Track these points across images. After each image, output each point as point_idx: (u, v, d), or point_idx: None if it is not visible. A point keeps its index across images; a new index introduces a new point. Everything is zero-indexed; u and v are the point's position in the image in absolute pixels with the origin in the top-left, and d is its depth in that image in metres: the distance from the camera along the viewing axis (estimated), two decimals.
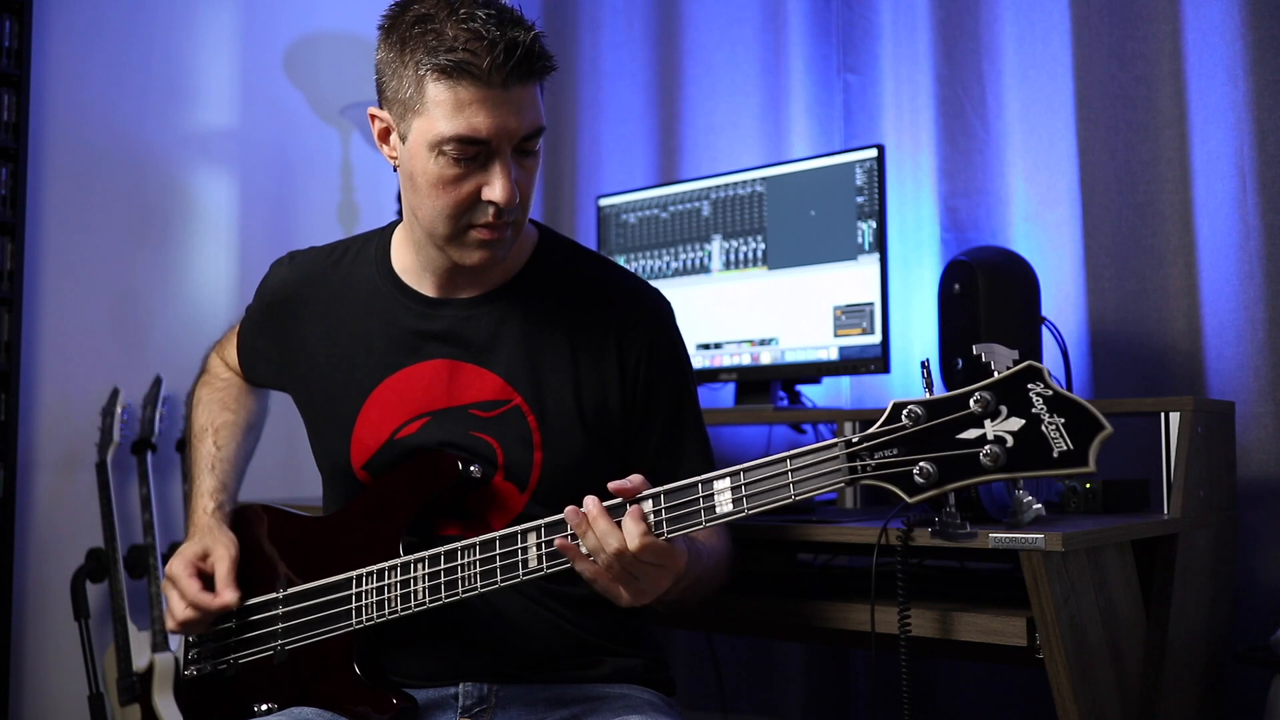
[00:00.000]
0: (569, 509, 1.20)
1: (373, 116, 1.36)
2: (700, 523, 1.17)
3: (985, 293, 1.96)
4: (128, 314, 2.73)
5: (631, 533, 1.16)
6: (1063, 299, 2.27)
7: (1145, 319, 2.20)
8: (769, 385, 2.34)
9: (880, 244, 2.19)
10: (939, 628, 1.51)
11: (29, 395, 2.52)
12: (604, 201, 2.61)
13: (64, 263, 2.61)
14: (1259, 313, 2.03)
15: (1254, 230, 2.04)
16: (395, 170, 1.37)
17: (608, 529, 1.17)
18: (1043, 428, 1.00)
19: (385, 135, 1.35)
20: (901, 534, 1.43)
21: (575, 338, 1.40)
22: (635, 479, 1.20)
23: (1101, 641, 1.48)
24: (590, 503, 1.19)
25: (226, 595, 1.40)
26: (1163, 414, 1.72)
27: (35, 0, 2.53)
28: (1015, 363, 1.02)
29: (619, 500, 1.20)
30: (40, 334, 2.56)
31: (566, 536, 1.21)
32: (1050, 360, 2.06)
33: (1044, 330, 2.03)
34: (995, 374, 1.03)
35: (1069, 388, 2.06)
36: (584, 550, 1.19)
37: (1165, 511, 1.67)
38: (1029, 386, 1.01)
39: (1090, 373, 2.24)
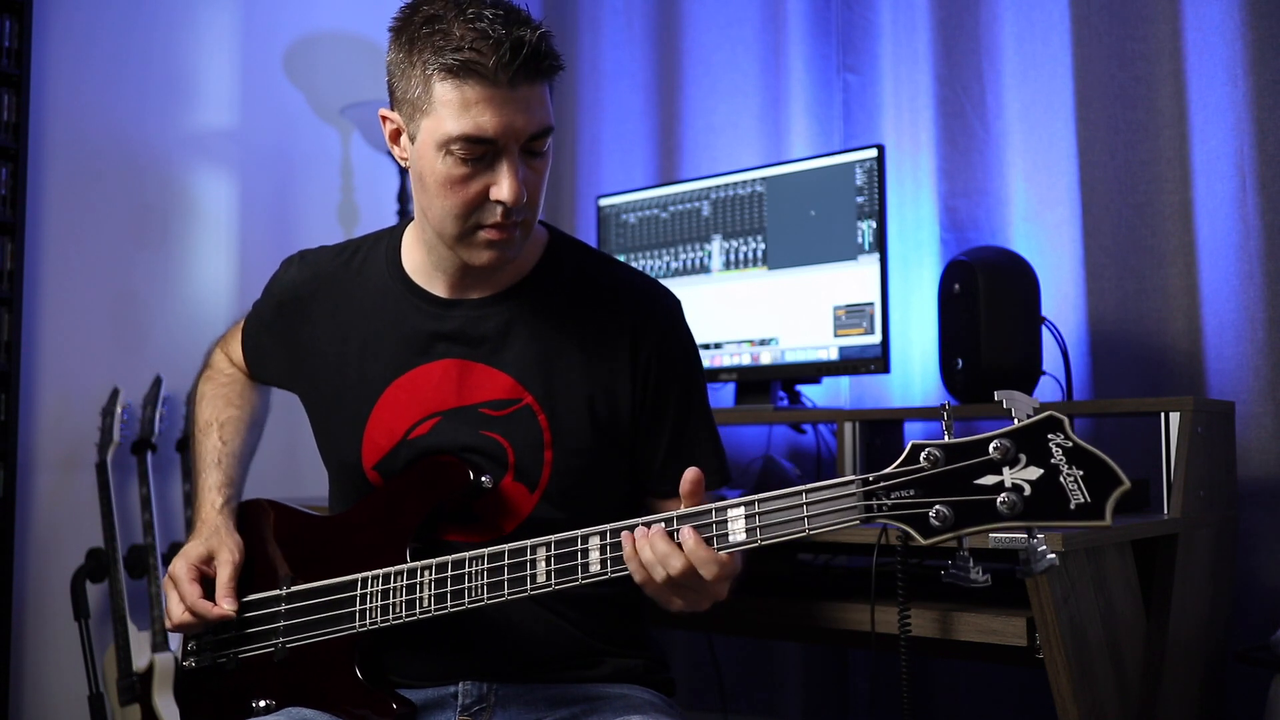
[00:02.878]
0: (625, 534, 1.18)
1: (384, 118, 1.36)
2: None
3: (985, 293, 1.96)
4: (128, 314, 2.73)
5: (696, 554, 1.14)
6: (1063, 299, 2.27)
7: (1145, 319, 2.20)
8: (769, 385, 2.34)
9: (880, 244, 2.19)
10: (939, 628, 1.51)
11: (29, 395, 2.52)
12: (604, 201, 2.61)
13: (64, 263, 2.61)
14: (1259, 313, 2.03)
15: (1254, 230, 2.04)
16: (406, 171, 1.38)
17: (668, 550, 1.15)
18: (1061, 479, 1.00)
19: (396, 136, 1.35)
20: (901, 534, 1.43)
21: (586, 337, 1.40)
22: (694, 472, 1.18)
23: (1101, 641, 1.48)
24: (643, 529, 1.17)
25: (224, 605, 1.40)
26: (1163, 414, 1.72)
27: (35, 0, 2.53)
28: (1036, 411, 1.02)
29: (669, 514, 1.18)
30: (40, 334, 2.56)
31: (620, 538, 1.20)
32: (1050, 360, 2.06)
33: (1044, 330, 2.03)
34: (1016, 421, 1.03)
35: (1069, 388, 2.06)
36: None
37: (1165, 511, 1.67)
38: (1049, 436, 1.01)
39: (1090, 373, 2.24)
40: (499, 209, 1.28)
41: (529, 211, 1.32)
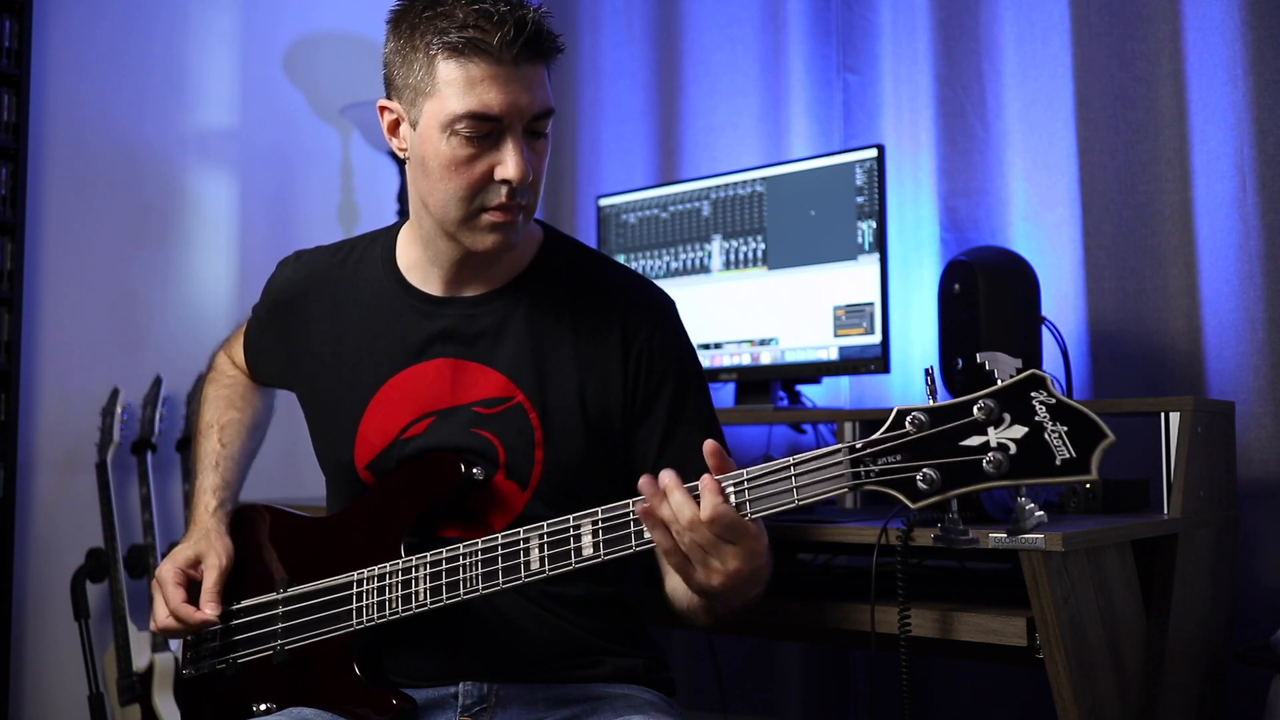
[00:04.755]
0: (644, 477, 1.16)
1: (382, 109, 1.37)
2: None
3: (985, 293, 1.96)
4: (128, 314, 2.73)
5: (707, 503, 1.13)
6: (1063, 299, 2.27)
7: (1145, 319, 2.19)
8: (769, 385, 2.34)
9: (880, 244, 2.19)
10: (939, 628, 1.51)
11: (29, 395, 2.52)
12: (604, 201, 2.61)
13: (64, 263, 2.61)
14: (1259, 313, 2.03)
15: (1254, 230, 2.04)
16: (404, 164, 1.38)
17: (683, 500, 1.14)
18: (1045, 435, 1.01)
19: (395, 127, 1.36)
20: (901, 534, 1.43)
21: (579, 335, 1.40)
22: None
23: (1101, 641, 1.48)
24: (666, 474, 1.16)
25: (206, 610, 1.40)
26: (1163, 414, 1.72)
27: (35, 0, 2.53)
28: (1018, 371, 1.03)
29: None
30: (40, 334, 2.56)
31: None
32: (1050, 360, 2.06)
33: (1044, 330, 2.03)
34: (998, 381, 1.03)
35: (1069, 388, 2.06)
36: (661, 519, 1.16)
37: (1165, 511, 1.67)
38: (1032, 395, 1.02)
39: (1090, 373, 2.24)
40: (504, 189, 1.29)
41: (531, 194, 1.33)
